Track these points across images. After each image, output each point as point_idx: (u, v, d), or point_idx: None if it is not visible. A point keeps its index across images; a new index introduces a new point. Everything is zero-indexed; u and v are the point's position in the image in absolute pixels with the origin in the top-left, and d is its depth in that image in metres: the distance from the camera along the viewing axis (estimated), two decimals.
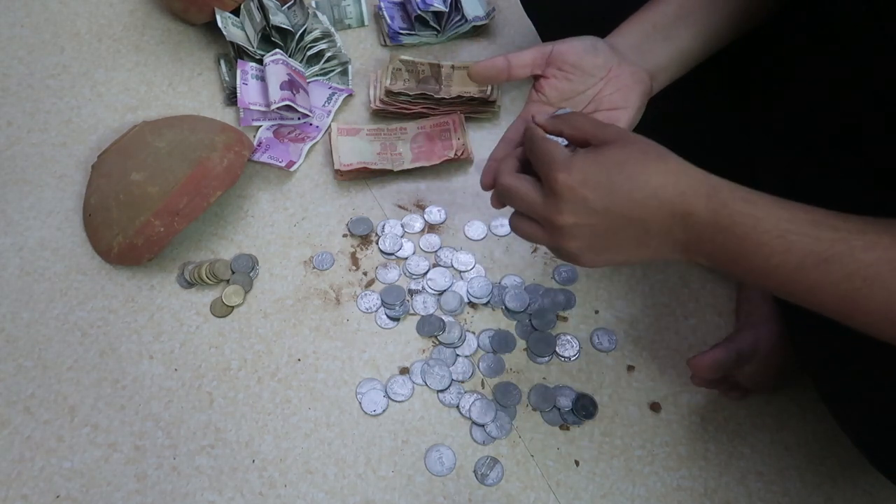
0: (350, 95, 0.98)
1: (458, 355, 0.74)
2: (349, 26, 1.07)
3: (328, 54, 0.99)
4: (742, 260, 0.43)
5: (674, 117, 0.79)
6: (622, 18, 0.79)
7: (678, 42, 0.63)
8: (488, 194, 0.88)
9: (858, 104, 0.59)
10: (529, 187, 0.48)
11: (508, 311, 0.78)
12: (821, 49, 0.59)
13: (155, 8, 1.09)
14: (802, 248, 0.40)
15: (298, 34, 0.97)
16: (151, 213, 0.76)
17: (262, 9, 0.96)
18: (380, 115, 0.96)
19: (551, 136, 0.51)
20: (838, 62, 0.58)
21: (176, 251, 0.82)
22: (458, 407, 0.71)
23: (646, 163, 0.45)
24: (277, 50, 0.95)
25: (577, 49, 0.59)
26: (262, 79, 0.93)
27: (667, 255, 0.47)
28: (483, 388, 0.73)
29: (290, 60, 0.95)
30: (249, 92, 0.92)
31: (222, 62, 1.00)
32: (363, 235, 0.84)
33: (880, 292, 0.39)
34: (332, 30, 1.02)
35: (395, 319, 0.77)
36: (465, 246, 0.83)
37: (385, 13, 1.04)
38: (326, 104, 0.96)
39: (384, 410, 0.71)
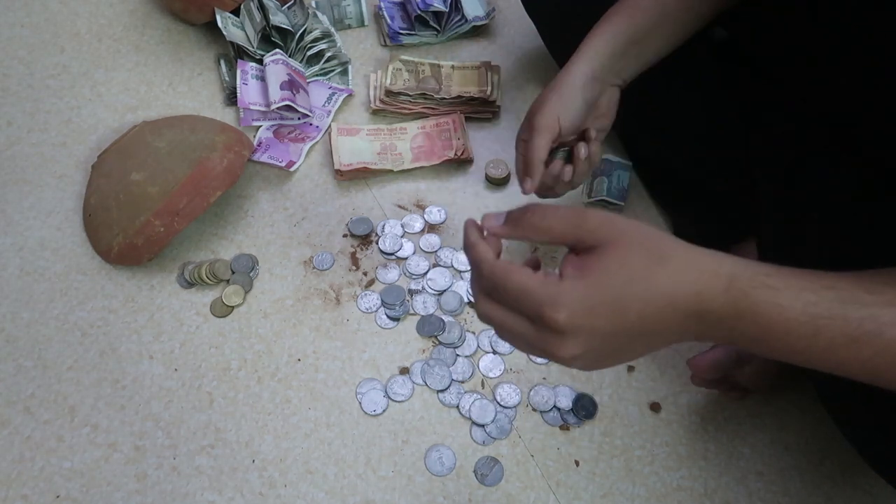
0: (350, 95, 0.98)
1: (458, 355, 0.74)
2: (349, 26, 1.07)
3: (328, 54, 0.99)
4: (765, 343, 0.39)
5: (674, 117, 0.80)
6: None
7: (650, 51, 0.68)
8: (488, 193, 0.89)
9: (858, 102, 0.59)
10: (519, 322, 0.40)
11: None
12: (820, 47, 0.59)
13: (155, 8, 1.09)
14: (831, 331, 0.38)
15: (298, 34, 0.97)
16: (151, 213, 0.76)
17: (262, 9, 0.96)
18: (380, 115, 0.96)
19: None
20: (838, 61, 0.58)
21: (176, 251, 0.82)
22: (458, 407, 0.71)
23: (651, 270, 0.38)
24: (277, 50, 0.95)
25: (574, 119, 0.66)
26: (262, 79, 0.93)
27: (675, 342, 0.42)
28: (483, 388, 0.73)
29: (290, 60, 0.95)
30: (249, 92, 0.92)
31: (222, 62, 1.00)
32: (363, 235, 0.84)
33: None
34: (332, 30, 1.02)
35: (395, 319, 0.77)
36: None
37: (385, 13, 1.04)
38: (326, 104, 0.96)
39: (384, 410, 0.71)
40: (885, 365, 0.38)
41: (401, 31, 1.03)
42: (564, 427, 0.70)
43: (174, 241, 0.81)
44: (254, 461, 0.68)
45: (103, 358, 0.74)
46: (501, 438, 0.69)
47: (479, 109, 0.95)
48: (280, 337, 0.76)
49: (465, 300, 0.78)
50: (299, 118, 0.93)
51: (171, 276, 0.80)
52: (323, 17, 1.02)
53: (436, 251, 0.82)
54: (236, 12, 0.99)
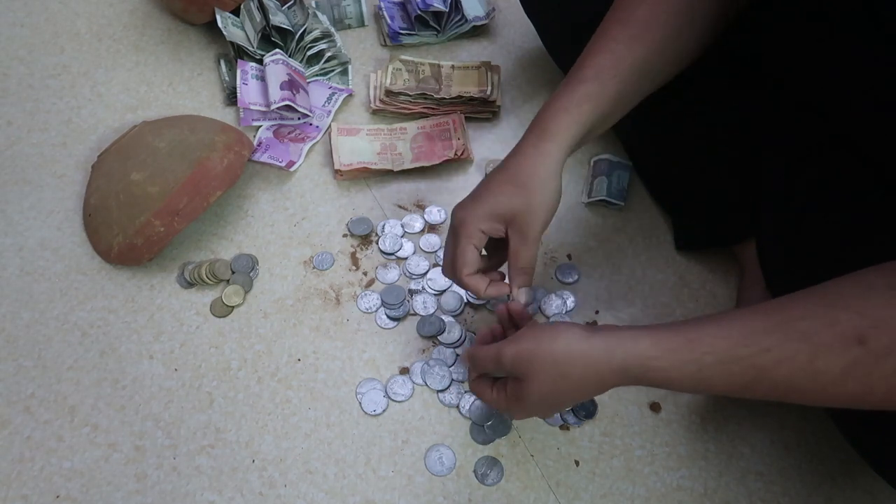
0: (350, 95, 0.98)
1: (458, 355, 0.74)
2: (349, 26, 1.07)
3: (328, 54, 0.99)
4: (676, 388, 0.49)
5: (674, 117, 0.79)
6: None
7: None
8: None
9: (858, 103, 0.59)
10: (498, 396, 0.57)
11: None
12: (819, 48, 0.59)
13: (155, 8, 1.09)
14: (721, 383, 0.46)
15: (298, 34, 0.97)
16: (151, 213, 0.76)
17: (262, 9, 0.96)
18: (380, 115, 0.96)
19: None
20: (837, 61, 0.58)
21: (176, 251, 0.82)
22: (458, 407, 0.71)
23: (558, 386, 0.51)
24: (277, 50, 0.95)
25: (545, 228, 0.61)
26: (262, 79, 0.93)
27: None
28: None
29: (290, 60, 0.95)
30: (249, 92, 0.92)
31: (222, 62, 1.00)
32: (363, 235, 0.84)
33: (805, 393, 0.45)
34: (332, 30, 1.02)
35: (395, 319, 0.77)
36: None
37: (385, 13, 1.04)
38: (326, 104, 0.96)
39: (384, 410, 0.71)
40: (783, 396, 0.45)
41: (401, 31, 1.03)
42: (564, 427, 0.70)
43: (174, 241, 0.81)
44: (254, 461, 0.68)
45: (103, 358, 0.74)
46: (501, 438, 0.69)
47: (479, 109, 0.95)
48: (280, 337, 0.76)
49: (465, 300, 0.78)
50: (299, 118, 0.93)
51: (171, 276, 0.80)
52: (323, 17, 1.02)
53: (436, 251, 0.82)
54: (236, 12, 0.99)
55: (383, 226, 0.84)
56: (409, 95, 0.94)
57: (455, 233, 0.60)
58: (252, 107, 0.91)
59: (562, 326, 0.52)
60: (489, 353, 0.55)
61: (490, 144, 0.93)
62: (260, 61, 0.94)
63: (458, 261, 0.59)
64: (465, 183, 0.89)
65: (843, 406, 0.44)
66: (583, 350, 0.49)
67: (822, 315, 0.43)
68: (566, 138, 0.58)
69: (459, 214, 0.60)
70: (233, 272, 0.80)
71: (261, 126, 0.93)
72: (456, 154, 0.89)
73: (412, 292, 0.79)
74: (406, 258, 0.82)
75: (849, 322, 0.42)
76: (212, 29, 1.01)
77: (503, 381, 0.56)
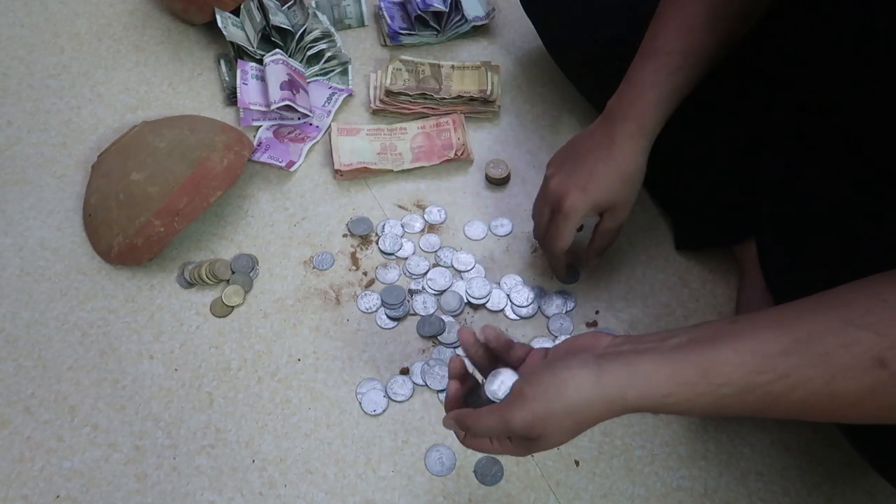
0: (350, 95, 0.98)
1: (458, 355, 0.74)
2: (349, 26, 1.07)
3: (328, 54, 0.99)
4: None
5: (674, 117, 0.79)
6: (620, 20, 0.79)
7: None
8: (488, 193, 0.89)
9: (858, 102, 0.59)
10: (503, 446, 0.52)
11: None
12: (821, 48, 0.59)
13: (155, 8, 1.09)
14: (736, 410, 0.44)
15: (298, 34, 0.97)
16: (151, 213, 0.76)
17: (262, 9, 0.96)
18: (380, 115, 0.96)
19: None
20: (838, 61, 0.58)
21: (176, 251, 0.82)
22: None
23: (575, 434, 0.48)
24: (277, 50, 0.95)
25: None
26: (262, 79, 0.93)
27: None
28: None
29: (290, 60, 0.95)
30: (249, 92, 0.92)
31: (222, 62, 1.00)
32: (363, 235, 0.84)
33: (821, 414, 0.43)
34: (332, 30, 1.02)
35: (395, 319, 0.77)
36: (465, 246, 0.83)
37: (385, 13, 1.04)
38: (326, 104, 0.96)
39: (384, 410, 0.71)
40: (796, 416, 0.44)
41: (401, 31, 1.03)
42: None
43: (174, 241, 0.81)
44: (254, 461, 0.68)
45: (103, 358, 0.74)
46: None
47: (479, 109, 0.95)
48: (280, 337, 0.76)
49: (465, 300, 0.78)
50: (299, 118, 0.93)
51: (171, 276, 0.80)
52: (323, 17, 1.02)
53: (436, 251, 0.82)
54: (236, 12, 0.99)
55: (383, 226, 0.84)
56: (409, 95, 0.94)
57: (562, 214, 0.67)
58: (252, 107, 0.91)
59: (564, 372, 0.47)
60: (492, 423, 0.49)
61: (490, 144, 0.93)
62: (260, 61, 0.94)
63: (561, 240, 0.69)
64: (464, 183, 0.89)
65: (859, 423, 0.43)
66: (596, 395, 0.46)
67: (840, 333, 0.41)
68: (656, 131, 0.66)
69: (569, 201, 0.66)
70: (233, 272, 0.80)
71: (261, 126, 0.93)
72: (456, 154, 0.89)
73: (412, 292, 0.79)
74: (406, 258, 0.82)
75: (868, 343, 0.40)
76: (212, 29, 1.01)
77: None
